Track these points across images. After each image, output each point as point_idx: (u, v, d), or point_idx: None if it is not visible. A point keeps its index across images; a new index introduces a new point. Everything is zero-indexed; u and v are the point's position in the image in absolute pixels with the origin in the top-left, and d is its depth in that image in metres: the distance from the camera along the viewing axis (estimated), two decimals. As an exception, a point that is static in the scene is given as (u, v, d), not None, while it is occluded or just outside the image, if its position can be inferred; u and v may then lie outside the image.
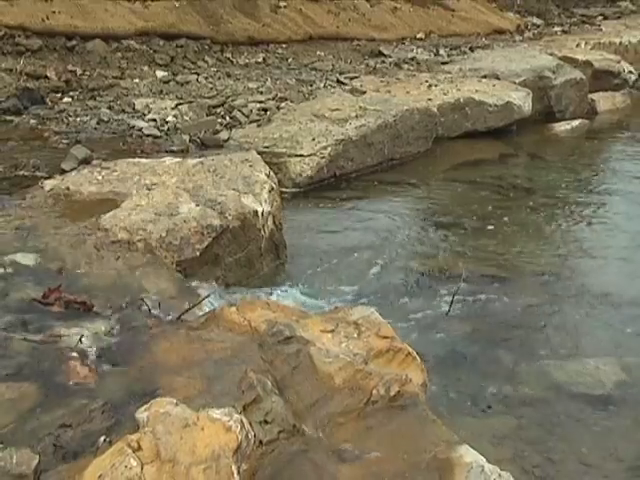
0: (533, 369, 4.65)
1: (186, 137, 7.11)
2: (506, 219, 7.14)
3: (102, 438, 2.62)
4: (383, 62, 11.72)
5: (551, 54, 12.35)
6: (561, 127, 10.89)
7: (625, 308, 5.49)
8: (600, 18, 17.10)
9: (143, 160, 5.89)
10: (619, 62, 13.21)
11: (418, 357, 3.45)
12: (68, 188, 5.22)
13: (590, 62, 12.55)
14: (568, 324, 5.24)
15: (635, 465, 3.84)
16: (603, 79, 12.69)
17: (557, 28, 15.91)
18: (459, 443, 2.80)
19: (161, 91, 8.78)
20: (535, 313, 5.36)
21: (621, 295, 5.66)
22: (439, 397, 4.10)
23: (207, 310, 3.82)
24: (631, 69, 13.35)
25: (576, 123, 11.07)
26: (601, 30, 15.59)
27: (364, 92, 9.25)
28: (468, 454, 2.71)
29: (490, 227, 6.89)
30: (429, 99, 9.16)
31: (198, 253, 4.71)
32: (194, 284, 4.49)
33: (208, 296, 4.12)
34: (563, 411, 4.26)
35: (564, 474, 3.75)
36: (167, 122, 7.54)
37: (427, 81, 10.02)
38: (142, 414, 2.50)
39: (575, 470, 3.78)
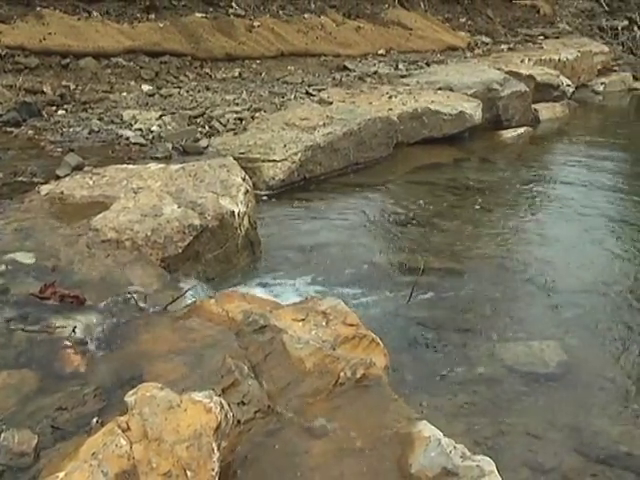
0: (484, 351, 4.67)
1: (169, 145, 7.06)
2: (460, 216, 7.17)
3: (95, 419, 2.62)
4: (348, 76, 11.70)
5: (499, 69, 12.39)
6: (508, 134, 10.95)
7: (566, 295, 5.53)
8: (541, 37, 17.22)
9: (130, 166, 5.85)
10: (558, 76, 13.32)
11: (381, 342, 3.45)
12: (62, 192, 5.17)
13: (533, 76, 12.64)
14: (515, 310, 5.28)
15: (573, 434, 3.89)
16: (544, 91, 12.80)
17: (504, 46, 15.98)
18: (418, 419, 2.81)
19: (146, 103, 8.72)
20: (486, 300, 5.39)
21: (563, 283, 5.71)
22: (401, 378, 4.10)
23: (189, 302, 3.80)
24: (569, 82, 13.48)
25: (521, 130, 11.14)
26: (542, 48, 15.69)
27: (331, 103, 9.23)
28: (426, 429, 2.72)
29: (445, 224, 6.91)
30: (390, 109, 9.16)
31: (180, 250, 4.69)
32: (177, 279, 4.47)
33: (189, 289, 4.11)
34: (511, 388, 4.29)
35: (512, 444, 3.78)
36: (152, 131, 7.49)
37: (388, 93, 10.01)
38: (130, 397, 2.47)
39: (522, 440, 3.82)
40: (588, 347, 4.82)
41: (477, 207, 7.48)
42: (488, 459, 2.61)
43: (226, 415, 2.49)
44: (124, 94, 9.07)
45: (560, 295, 5.52)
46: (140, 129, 7.53)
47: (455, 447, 2.63)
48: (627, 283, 5.79)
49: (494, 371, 4.46)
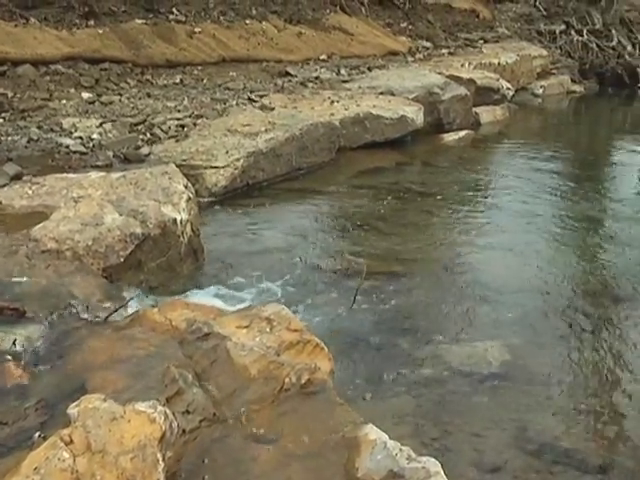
0: (429, 353, 4.71)
1: (110, 153, 7.00)
2: (403, 220, 7.22)
3: (37, 434, 2.58)
4: (290, 81, 11.71)
5: (439, 73, 12.51)
6: (450, 137, 11.07)
7: (508, 296, 5.61)
8: (481, 42, 17.40)
9: (70, 175, 5.79)
10: (498, 80, 13.50)
11: (326, 347, 3.47)
12: (0, 202, 5.10)
13: (473, 80, 12.79)
14: (459, 311, 5.33)
15: (517, 432, 3.96)
16: (485, 95, 12.96)
17: (444, 50, 16.12)
18: (364, 423, 2.83)
19: (87, 111, 8.62)
20: (430, 303, 5.44)
21: (505, 284, 5.79)
22: (346, 382, 4.12)
23: (131, 312, 3.77)
24: (508, 86, 13.67)
25: (462, 133, 11.27)
26: (482, 52, 15.87)
27: (273, 108, 9.23)
28: (372, 432, 2.74)
29: (389, 227, 6.96)
30: (332, 114, 9.20)
31: (122, 259, 4.66)
32: (119, 288, 4.43)
33: (132, 299, 4.08)
34: (456, 389, 4.34)
35: (458, 444, 3.83)
36: (92, 139, 7.41)
37: (330, 98, 10.05)
38: (73, 410, 2.45)
39: (467, 440, 3.87)
40: (530, 346, 4.90)
41: (420, 210, 7.56)
42: (434, 460, 2.64)
43: (171, 425, 2.48)
44: (63, 102, 8.94)
45: (502, 296, 5.60)
46: (80, 137, 7.44)
47: (401, 449, 2.66)
48: (566, 282, 5.90)
49: (439, 373, 4.50)
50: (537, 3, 20.84)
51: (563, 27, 19.28)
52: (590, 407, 4.27)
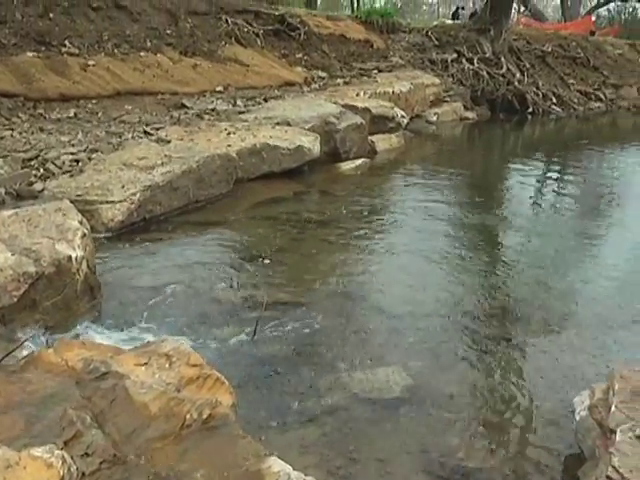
0: (331, 381, 4.73)
1: (2, 190, 6.84)
2: (302, 249, 7.27)
3: None
4: (186, 113, 11.71)
5: (335, 102, 12.70)
6: (346, 166, 11.24)
7: (408, 320, 5.69)
8: (376, 71, 17.76)
9: (-41, 214, 5.63)
10: (393, 108, 13.79)
11: (227, 381, 3.47)
12: None
13: (369, 109, 13.03)
14: (360, 338, 5.38)
15: (422, 455, 4.00)
16: (380, 123, 13.22)
17: (339, 80, 16.38)
18: (268, 455, 2.84)
19: (-24, 147, 8.43)
20: (331, 331, 5.46)
21: (405, 308, 5.88)
22: (249, 415, 4.11)
23: (26, 353, 3.69)
24: (403, 114, 13.98)
25: (359, 162, 11.46)
26: (377, 81, 16.19)
27: (169, 141, 9.20)
28: (276, 464, 2.75)
29: (288, 257, 6.99)
30: (229, 145, 9.23)
31: (15, 300, 4.54)
32: (13, 329, 4.32)
33: (26, 340, 3.99)
34: (360, 416, 4.36)
35: (364, 471, 3.85)
36: (-18, 176, 7.24)
37: (226, 129, 10.08)
38: (-36, 459, 2.38)
39: (373, 466, 3.89)
40: (431, 369, 4.98)
41: (319, 239, 7.62)
42: (338, 489, 2.67)
43: (69, 469, 2.44)
44: (-49, 138, 8.73)
45: (402, 321, 5.68)
46: (-31, 174, 7.27)
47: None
48: (466, 303, 6.04)
49: (342, 400, 4.52)
50: (429, 33, 21.43)
51: (455, 56, 19.90)
52: (492, 426, 4.36)
